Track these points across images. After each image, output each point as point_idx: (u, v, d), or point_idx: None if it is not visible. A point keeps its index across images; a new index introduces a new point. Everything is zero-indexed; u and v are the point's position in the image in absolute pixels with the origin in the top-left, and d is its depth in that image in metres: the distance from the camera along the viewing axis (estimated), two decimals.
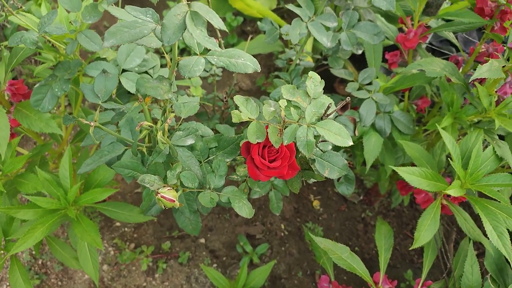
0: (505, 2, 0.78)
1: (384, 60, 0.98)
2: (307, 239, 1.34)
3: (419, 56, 0.98)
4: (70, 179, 0.79)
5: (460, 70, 0.99)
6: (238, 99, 0.52)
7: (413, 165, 0.83)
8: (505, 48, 0.74)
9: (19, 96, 0.84)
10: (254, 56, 1.81)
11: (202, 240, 1.32)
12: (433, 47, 1.31)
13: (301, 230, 1.36)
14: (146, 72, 0.76)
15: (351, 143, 0.48)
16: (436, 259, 1.22)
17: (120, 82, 0.70)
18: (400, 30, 0.97)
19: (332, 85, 1.54)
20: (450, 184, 0.75)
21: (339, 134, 0.48)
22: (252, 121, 0.53)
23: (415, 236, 0.74)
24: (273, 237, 1.34)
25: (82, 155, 0.99)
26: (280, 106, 0.53)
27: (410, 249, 0.81)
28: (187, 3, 0.39)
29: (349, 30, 0.78)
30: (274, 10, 1.69)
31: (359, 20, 0.78)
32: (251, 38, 1.77)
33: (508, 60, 0.70)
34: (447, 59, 0.97)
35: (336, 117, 0.83)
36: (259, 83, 1.59)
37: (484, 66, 0.61)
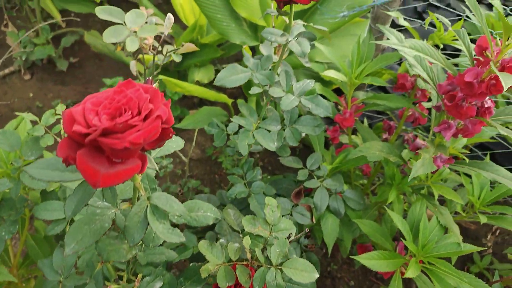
0: (423, 85, 0.88)
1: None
2: None
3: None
4: None
5: (393, 133, 1.08)
6: (202, 246, 0.54)
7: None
8: (430, 129, 0.83)
9: None
10: (200, 131, 1.82)
11: None
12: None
13: None
14: None
15: (317, 275, 0.51)
16: None
17: None
18: (336, 105, 1.05)
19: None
20: (405, 255, 0.81)
21: (305, 270, 0.51)
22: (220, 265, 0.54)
23: None
24: None
25: None
26: (245, 245, 0.54)
27: None
28: (147, 197, 0.40)
29: (292, 126, 0.83)
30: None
31: (299, 115, 0.84)
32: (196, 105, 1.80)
33: (435, 142, 0.78)
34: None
35: (293, 206, 0.86)
36: (209, 153, 1.61)
37: (418, 163, 0.68)
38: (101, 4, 2.24)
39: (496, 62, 0.67)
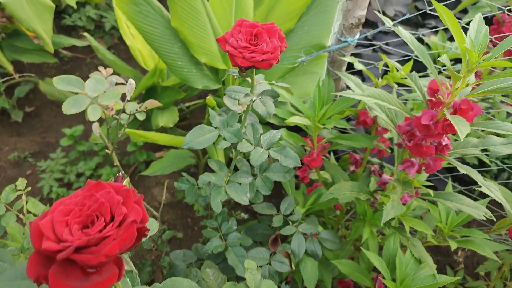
0: (384, 123, 0.91)
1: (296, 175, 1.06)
2: None
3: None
4: None
5: (360, 166, 1.11)
6: None
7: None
8: (394, 173, 0.86)
9: None
10: (169, 174, 1.78)
11: None
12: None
13: None
14: None
15: None
16: None
17: None
18: (303, 146, 1.07)
19: None
20: None
21: None
22: None
23: None
24: None
25: None
26: None
27: None
28: None
29: (262, 174, 0.83)
30: (180, 124, 1.73)
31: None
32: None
33: (400, 178, 0.81)
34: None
35: (271, 255, 0.86)
36: (179, 197, 1.58)
37: (388, 205, 0.70)
38: (56, 53, 2.19)
39: (448, 104, 0.71)
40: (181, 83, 1.59)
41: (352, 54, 1.56)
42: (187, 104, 1.91)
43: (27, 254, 0.66)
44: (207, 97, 0.92)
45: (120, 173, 0.36)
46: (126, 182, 0.36)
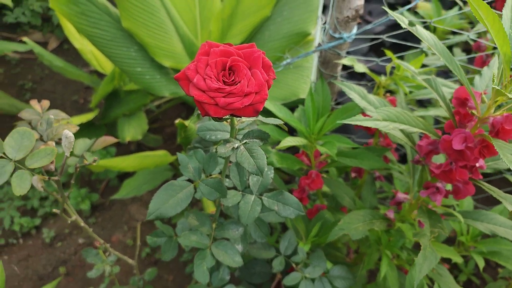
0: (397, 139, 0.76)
1: None
2: None
3: None
4: None
5: (364, 173, 0.96)
6: None
7: None
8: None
9: None
10: (144, 194, 1.57)
11: None
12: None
13: None
14: None
15: None
16: None
17: None
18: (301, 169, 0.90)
19: None
20: None
21: None
22: None
23: None
24: None
25: None
26: None
27: None
28: None
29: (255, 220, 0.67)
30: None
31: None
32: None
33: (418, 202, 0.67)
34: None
35: None
36: None
37: (419, 258, 0.55)
38: (4, 58, 1.92)
39: (483, 119, 0.55)
40: None
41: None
42: (157, 103, 1.70)
43: None
44: (176, 121, 0.74)
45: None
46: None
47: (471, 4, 0.47)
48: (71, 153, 0.61)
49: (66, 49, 2.12)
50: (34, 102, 0.68)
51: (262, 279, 0.82)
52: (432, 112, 0.70)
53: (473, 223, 0.70)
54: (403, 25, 0.51)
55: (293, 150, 1.13)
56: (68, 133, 0.52)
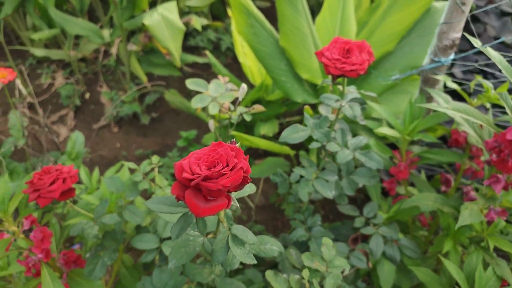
0: (474, 140, 0.93)
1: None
2: None
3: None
4: None
5: (451, 186, 1.12)
6: (269, 275, 0.64)
7: None
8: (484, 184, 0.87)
9: (70, 264, 0.96)
10: (264, 179, 1.95)
11: None
12: (456, 80, 1.36)
13: None
14: None
15: None
16: None
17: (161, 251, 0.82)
18: (391, 158, 1.12)
19: None
20: None
21: None
22: None
23: None
24: None
25: None
26: (303, 277, 0.64)
27: None
28: (228, 228, 0.52)
29: (348, 177, 0.92)
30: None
31: (355, 166, 0.93)
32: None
33: (486, 195, 0.83)
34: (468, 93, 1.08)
35: (350, 251, 0.93)
36: (272, 200, 1.72)
37: (465, 213, 0.73)
38: (180, 69, 2.57)
39: None
40: (283, 98, 1.76)
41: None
42: (287, 120, 2.07)
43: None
44: (305, 106, 1.05)
45: (234, 139, 0.50)
46: (238, 145, 0.50)
47: None
48: (239, 103, 0.96)
49: (228, 65, 2.69)
50: (220, 77, 1.07)
51: (345, 240, 1.04)
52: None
53: None
54: (475, 45, 0.73)
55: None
56: (244, 85, 0.87)
